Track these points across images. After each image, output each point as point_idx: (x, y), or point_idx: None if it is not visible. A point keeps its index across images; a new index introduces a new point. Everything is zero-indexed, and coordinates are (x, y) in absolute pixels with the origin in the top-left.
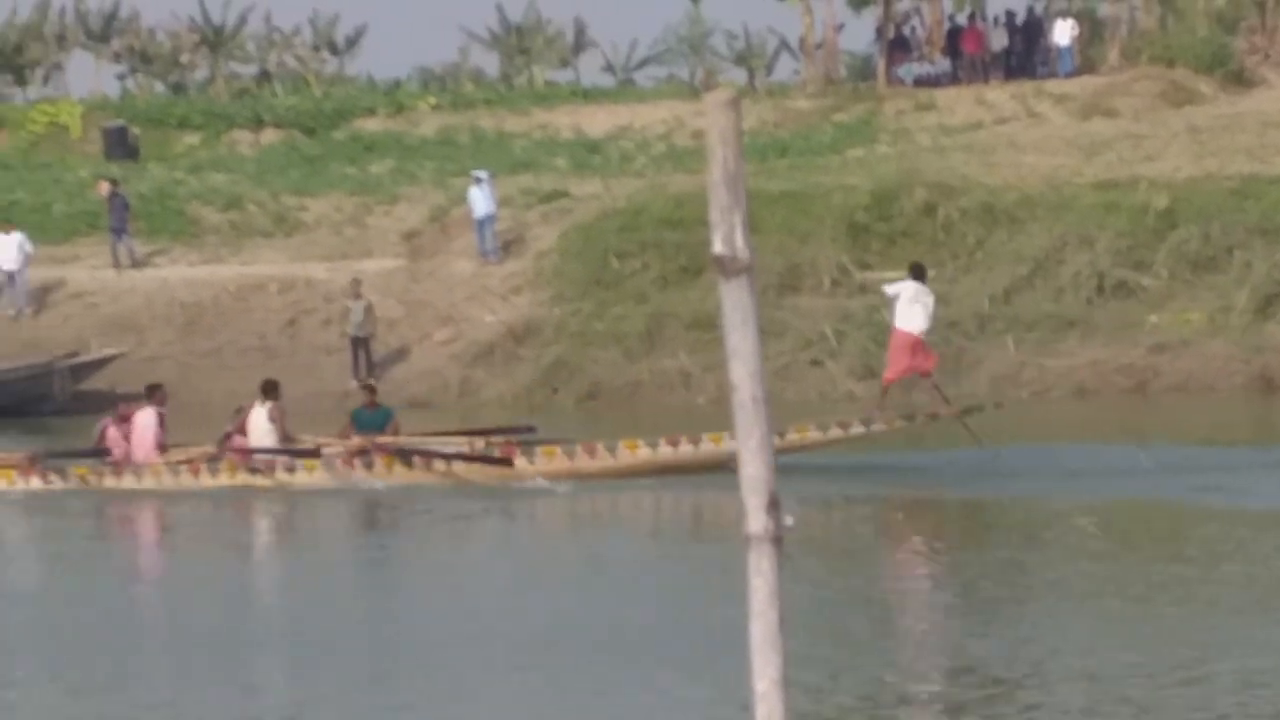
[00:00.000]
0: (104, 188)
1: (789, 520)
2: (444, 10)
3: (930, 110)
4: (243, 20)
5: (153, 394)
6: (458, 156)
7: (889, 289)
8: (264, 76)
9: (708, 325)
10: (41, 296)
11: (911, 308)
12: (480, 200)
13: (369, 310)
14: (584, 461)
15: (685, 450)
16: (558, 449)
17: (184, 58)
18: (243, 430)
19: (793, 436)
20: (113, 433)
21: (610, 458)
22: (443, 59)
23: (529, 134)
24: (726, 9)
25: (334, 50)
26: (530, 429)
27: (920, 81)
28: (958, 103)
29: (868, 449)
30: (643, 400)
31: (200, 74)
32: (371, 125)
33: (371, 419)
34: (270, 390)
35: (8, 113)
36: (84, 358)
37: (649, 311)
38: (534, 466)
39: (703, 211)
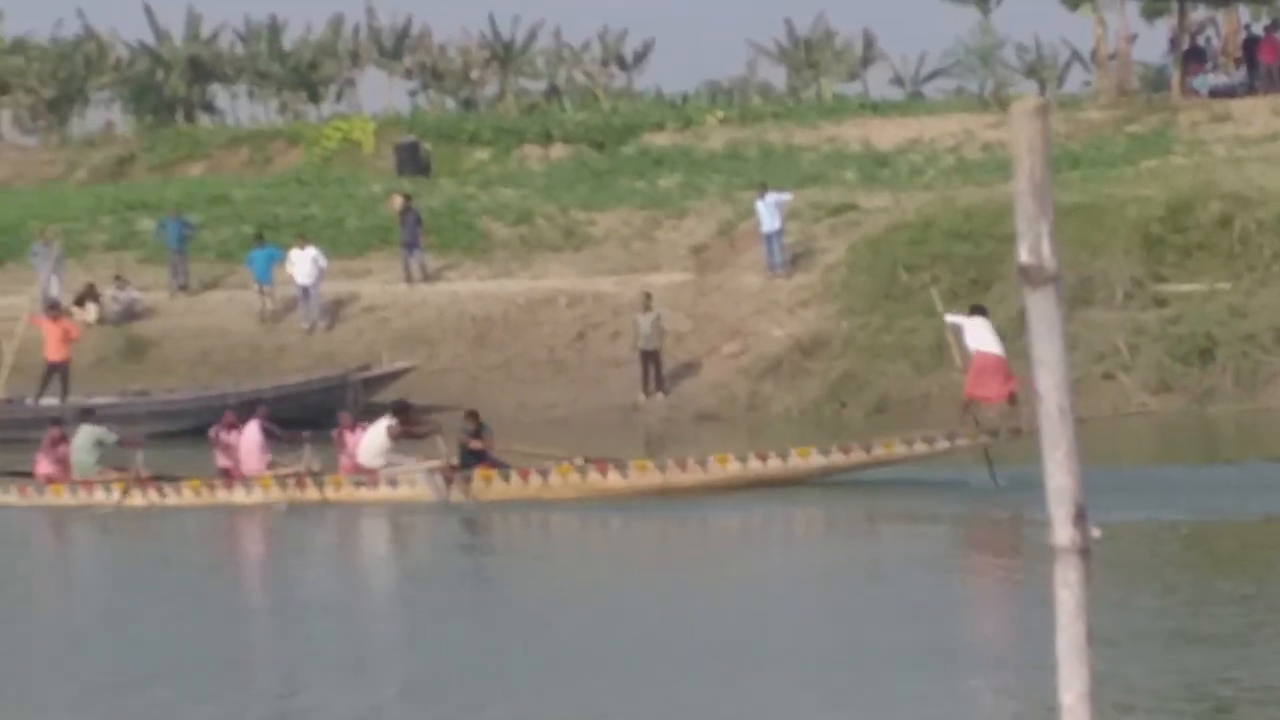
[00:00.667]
0: (396, 202)
1: (1096, 532)
2: (731, 24)
3: (1226, 121)
4: (532, 36)
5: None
6: (745, 170)
7: (951, 319)
8: (553, 92)
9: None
10: (335, 310)
11: (983, 335)
12: (767, 214)
13: (657, 323)
14: (675, 475)
15: (774, 465)
16: (649, 463)
17: (474, 74)
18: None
19: (878, 451)
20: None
21: (701, 471)
22: (730, 73)
23: (817, 147)
24: (1017, 21)
25: (622, 65)
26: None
27: (1216, 93)
28: (1254, 113)
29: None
30: (932, 413)
31: (490, 90)
32: (660, 140)
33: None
34: (401, 411)
35: (302, 129)
36: (376, 371)
37: (938, 325)
38: (626, 480)
39: (993, 224)
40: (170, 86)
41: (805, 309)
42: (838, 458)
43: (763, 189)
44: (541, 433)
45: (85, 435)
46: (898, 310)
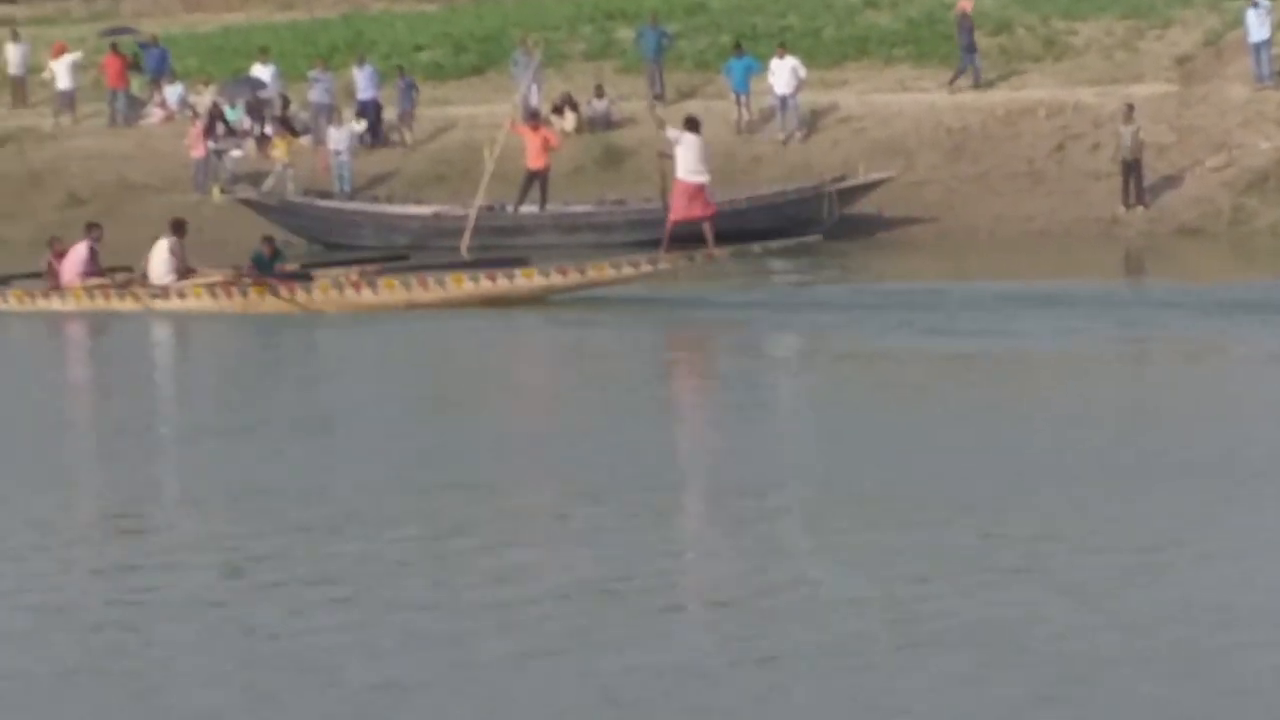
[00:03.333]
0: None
1: None
2: None
3: None
4: None
5: (89, 230)
6: None
7: (671, 133)
8: None
9: None
10: (811, 121)
11: (687, 158)
12: (1256, 24)
13: (1137, 135)
14: (418, 293)
15: (502, 284)
16: (395, 280)
17: None
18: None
19: (592, 273)
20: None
21: (441, 289)
22: None
23: None
24: None
25: None
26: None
27: None
28: None
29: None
30: None
31: None
32: None
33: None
34: (178, 228)
35: None
36: (852, 181)
37: None
38: (376, 297)
39: None
40: None
41: None
42: (557, 278)
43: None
44: (1020, 245)
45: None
46: None
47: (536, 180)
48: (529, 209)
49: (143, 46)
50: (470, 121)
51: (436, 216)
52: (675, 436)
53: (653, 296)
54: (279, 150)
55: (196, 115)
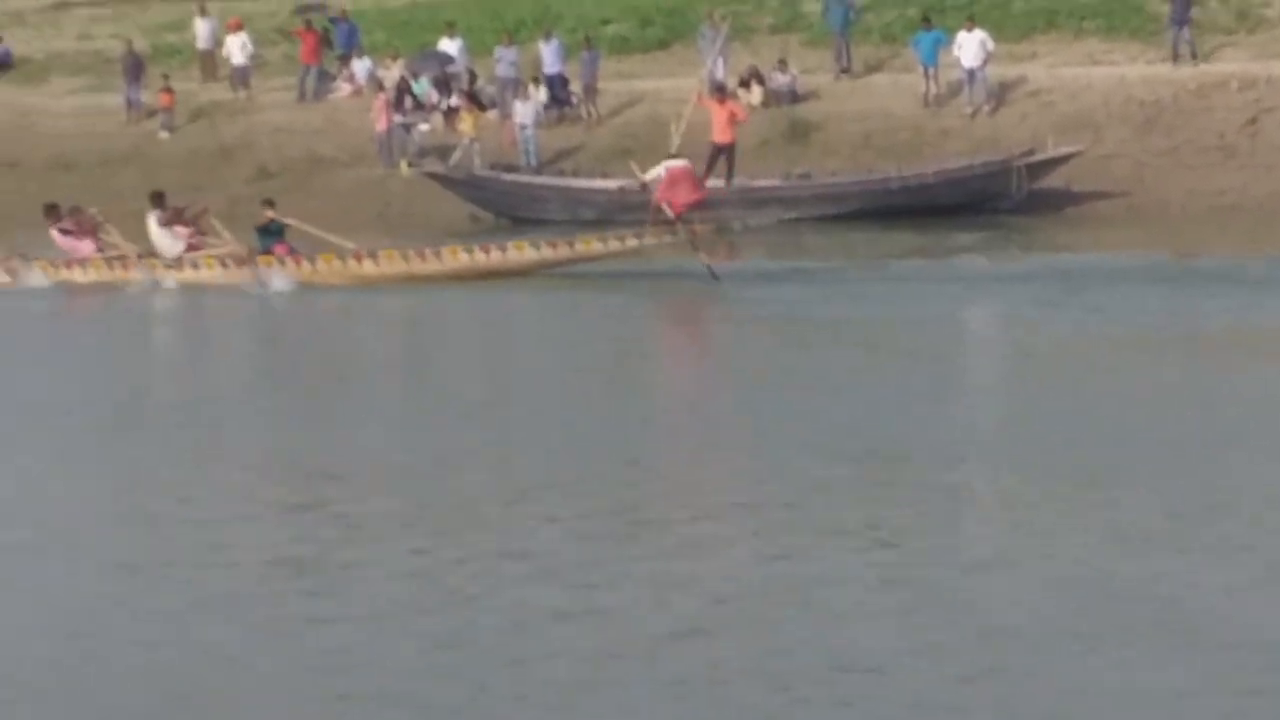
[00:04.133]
0: None
1: None
2: None
3: None
4: None
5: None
6: None
7: (650, 175)
8: None
9: None
10: (999, 94)
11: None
12: None
13: None
14: (417, 264)
15: (495, 257)
16: (395, 252)
17: None
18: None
19: (579, 247)
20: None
21: (437, 262)
22: None
23: None
24: None
25: None
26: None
27: None
28: None
29: None
30: None
31: None
32: None
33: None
34: (157, 200)
35: None
36: (1040, 155)
37: None
38: (378, 268)
39: None
40: None
41: None
42: (548, 252)
43: None
44: (1210, 219)
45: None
46: None
47: (723, 154)
48: (715, 183)
49: (333, 21)
50: (656, 95)
51: (622, 191)
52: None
53: (835, 272)
54: (466, 124)
55: (383, 89)
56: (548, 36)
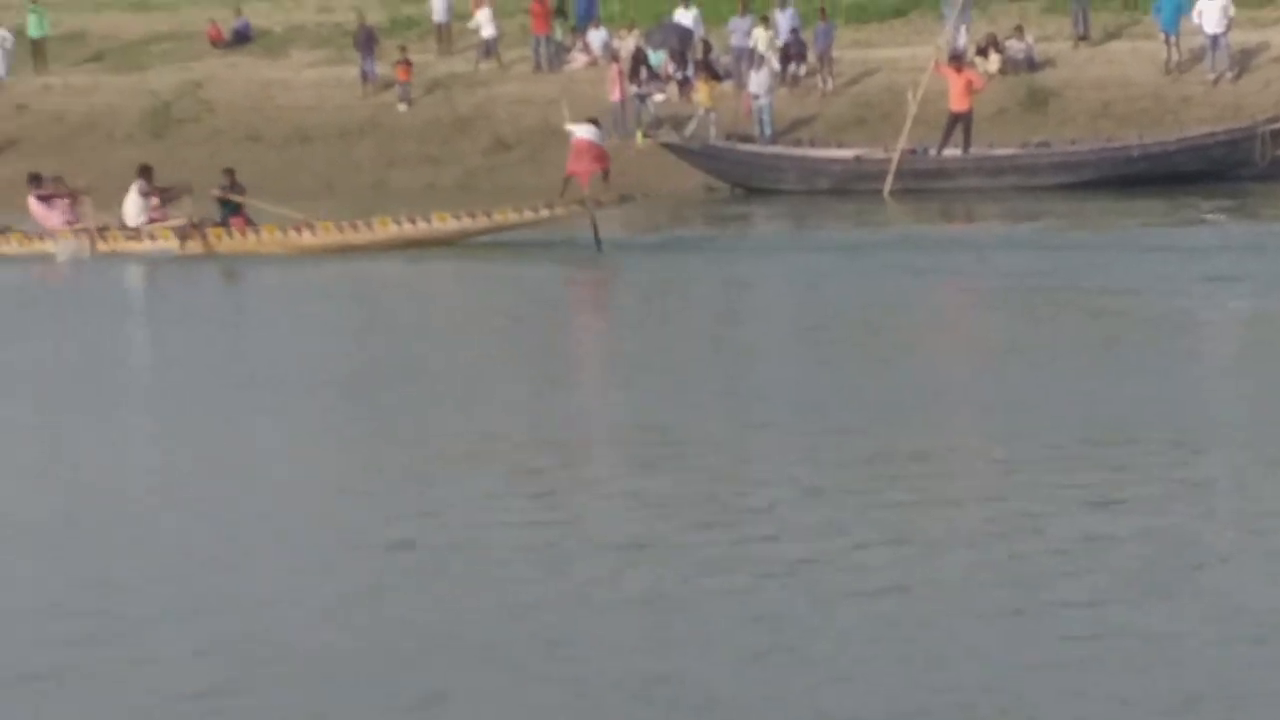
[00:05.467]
0: None
1: None
2: None
3: None
4: None
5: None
6: None
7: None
8: None
9: None
10: (1242, 60)
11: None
12: None
13: None
14: (350, 235)
15: (422, 227)
16: (330, 224)
17: None
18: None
19: (497, 217)
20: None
21: (370, 232)
22: None
23: None
24: None
25: None
26: None
27: None
28: None
29: None
30: None
31: None
32: None
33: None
34: (145, 172)
35: None
36: None
37: None
38: (315, 238)
39: None
40: None
41: None
42: (468, 222)
43: None
44: None
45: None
46: None
47: (960, 123)
48: (952, 152)
49: None
50: (892, 64)
51: (858, 160)
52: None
53: (1059, 242)
54: (701, 94)
55: (618, 60)
56: (783, 5)
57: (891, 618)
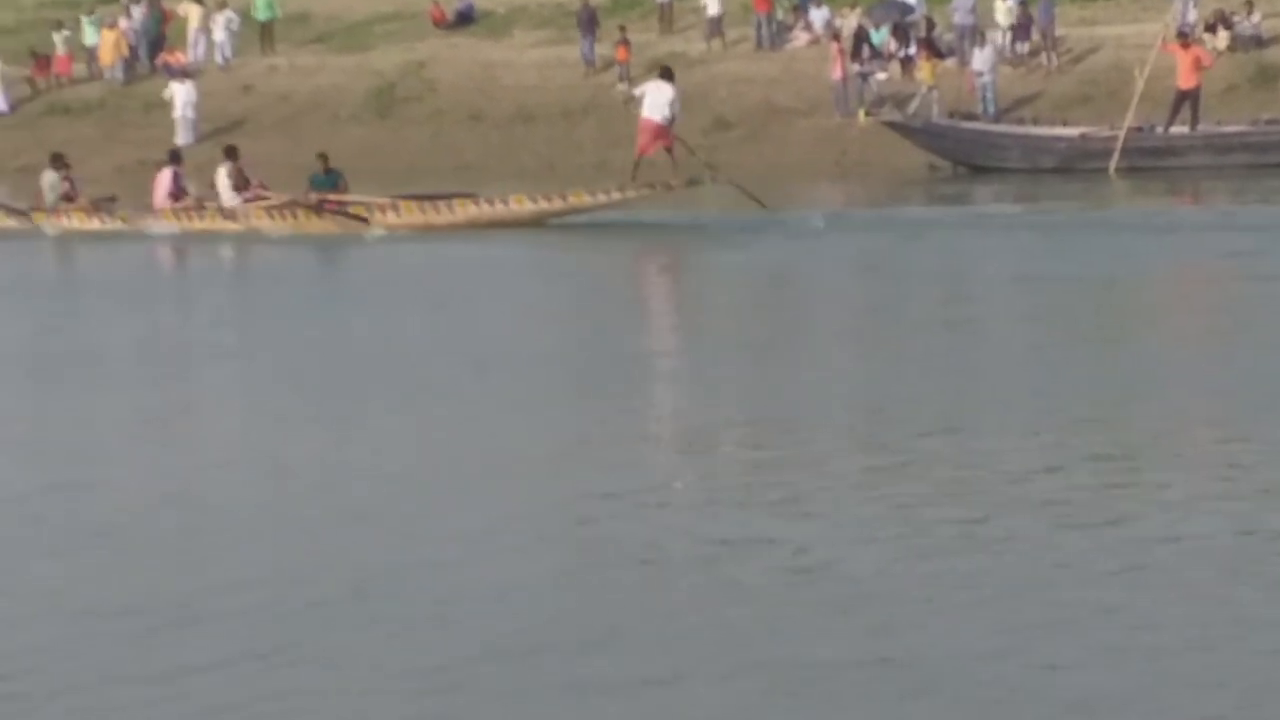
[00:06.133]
0: None
1: None
2: None
3: None
4: None
5: (173, 158)
6: None
7: (635, 90)
8: None
9: None
10: None
11: (655, 100)
12: None
13: None
14: (431, 215)
15: (500, 208)
16: (413, 204)
17: None
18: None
19: (572, 200)
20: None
21: (450, 213)
22: None
23: None
24: None
25: None
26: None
27: None
28: None
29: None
30: None
31: None
32: None
33: (324, 180)
34: (230, 153)
35: None
36: None
37: None
38: (399, 218)
39: None
40: None
41: None
42: (544, 204)
43: None
44: None
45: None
46: None
47: (1187, 100)
48: (1179, 129)
49: None
50: (1118, 41)
51: (1083, 138)
52: None
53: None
54: (924, 72)
55: (839, 38)
56: None
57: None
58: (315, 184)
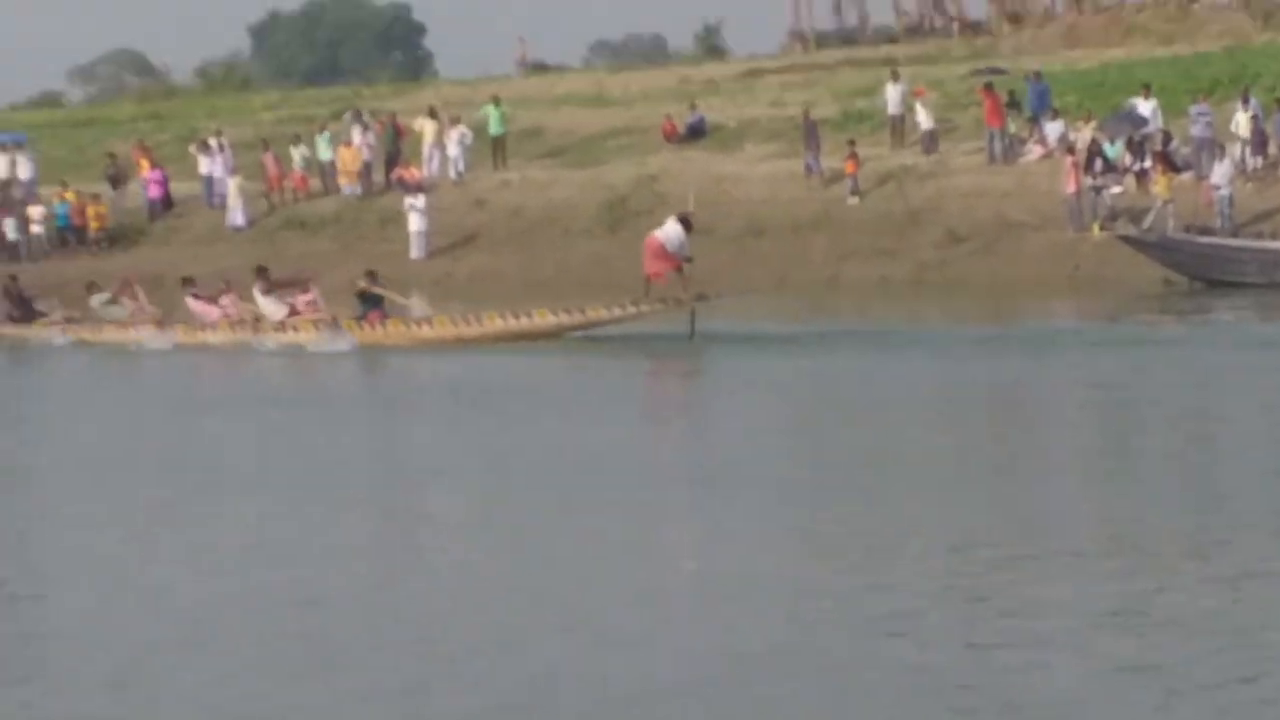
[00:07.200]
0: None
1: None
2: None
3: None
4: None
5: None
6: None
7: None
8: None
9: None
10: None
11: (668, 232)
12: None
13: None
14: (463, 329)
15: (525, 322)
16: (445, 318)
17: None
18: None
19: (590, 314)
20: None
21: (479, 326)
22: None
23: None
24: None
25: None
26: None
27: None
28: None
29: None
30: None
31: None
32: None
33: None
34: (261, 273)
35: None
36: None
37: None
38: (434, 332)
39: None
40: None
41: None
42: (564, 317)
43: None
44: None
45: None
46: None
47: None
48: None
49: (1027, 82)
50: None
51: None
52: None
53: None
54: (1159, 186)
55: (1073, 151)
56: (1244, 96)
57: None
58: (364, 300)
